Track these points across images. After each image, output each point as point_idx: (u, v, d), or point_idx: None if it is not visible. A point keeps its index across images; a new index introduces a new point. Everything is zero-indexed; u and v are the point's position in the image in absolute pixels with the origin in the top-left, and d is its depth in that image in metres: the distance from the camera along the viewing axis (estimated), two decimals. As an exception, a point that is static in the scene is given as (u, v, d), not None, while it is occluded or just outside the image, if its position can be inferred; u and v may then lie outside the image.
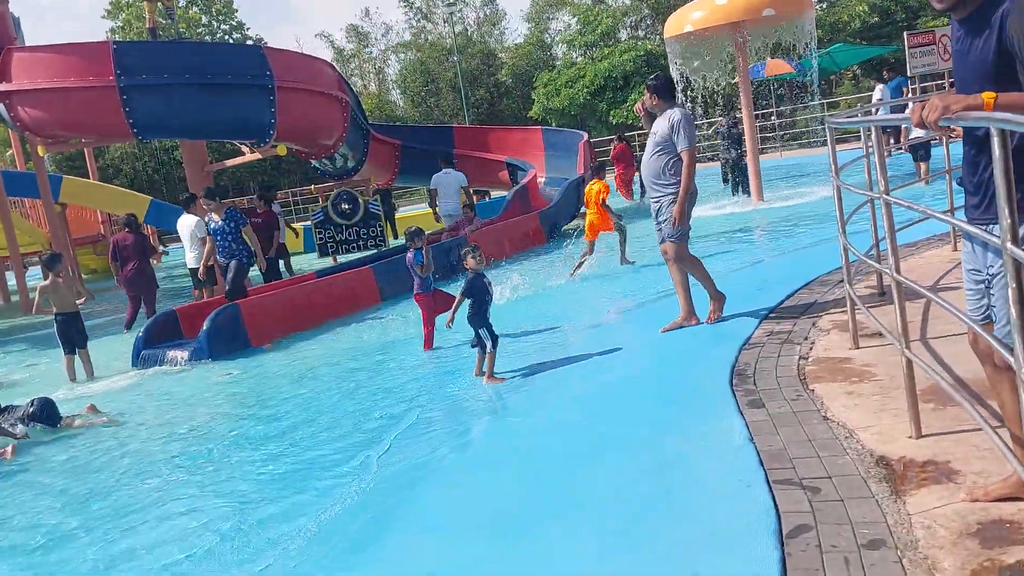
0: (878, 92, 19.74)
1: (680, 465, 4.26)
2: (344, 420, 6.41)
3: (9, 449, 6.89)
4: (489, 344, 6.76)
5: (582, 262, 11.23)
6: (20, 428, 7.32)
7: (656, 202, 6.91)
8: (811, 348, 5.71)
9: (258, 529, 4.59)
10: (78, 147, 22.73)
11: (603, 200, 11.21)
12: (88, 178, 25.89)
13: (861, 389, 4.73)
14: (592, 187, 11.38)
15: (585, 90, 39.26)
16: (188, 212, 12.72)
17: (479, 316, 6.82)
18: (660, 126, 6.78)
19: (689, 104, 16.97)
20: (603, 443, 4.82)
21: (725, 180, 17.25)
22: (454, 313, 7.08)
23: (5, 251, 19.33)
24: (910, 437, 3.93)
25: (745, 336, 6.24)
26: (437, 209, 15.02)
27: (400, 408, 6.48)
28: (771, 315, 6.79)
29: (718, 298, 6.95)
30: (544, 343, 7.69)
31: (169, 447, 6.51)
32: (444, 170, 15.19)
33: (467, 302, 6.94)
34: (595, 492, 4.16)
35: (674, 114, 6.72)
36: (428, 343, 8.34)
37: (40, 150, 16.44)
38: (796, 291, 7.47)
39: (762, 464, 3.97)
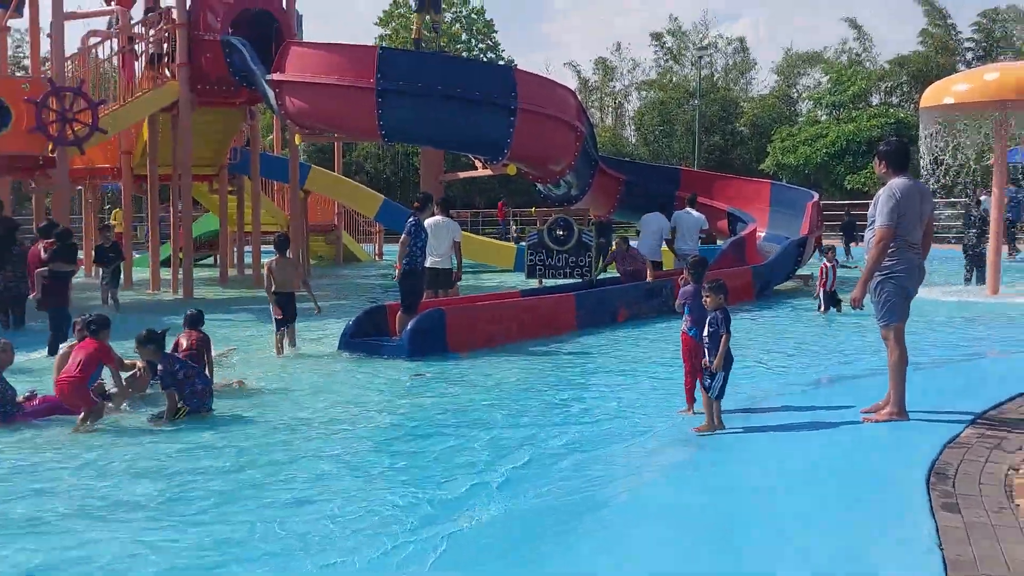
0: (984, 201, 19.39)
1: (862, 560, 4.01)
2: (519, 441, 6.48)
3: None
4: (716, 390, 6.36)
5: None
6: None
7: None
8: (1024, 460, 5.24)
9: (366, 544, 4.60)
10: (329, 140, 24.51)
11: None
12: (333, 171, 27.78)
13: (1074, 515, 4.29)
14: None
15: (824, 150, 37.92)
16: (445, 215, 12.16)
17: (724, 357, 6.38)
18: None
19: (933, 180, 16.00)
20: (783, 519, 4.62)
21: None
22: (722, 355, 6.34)
23: (249, 227, 21.11)
24: (1123, 580, 3.53)
25: (952, 433, 5.79)
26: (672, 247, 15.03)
27: (574, 440, 6.48)
28: (985, 416, 6.27)
29: (899, 405, 6.28)
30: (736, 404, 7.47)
31: (329, 434, 6.87)
32: (686, 209, 15.39)
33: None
34: (770, 570, 3.98)
35: (885, 188, 6.26)
36: (690, 399, 7.10)
37: (297, 139, 17.89)
38: (1018, 396, 6.86)
39: (947, 574, 3.68)
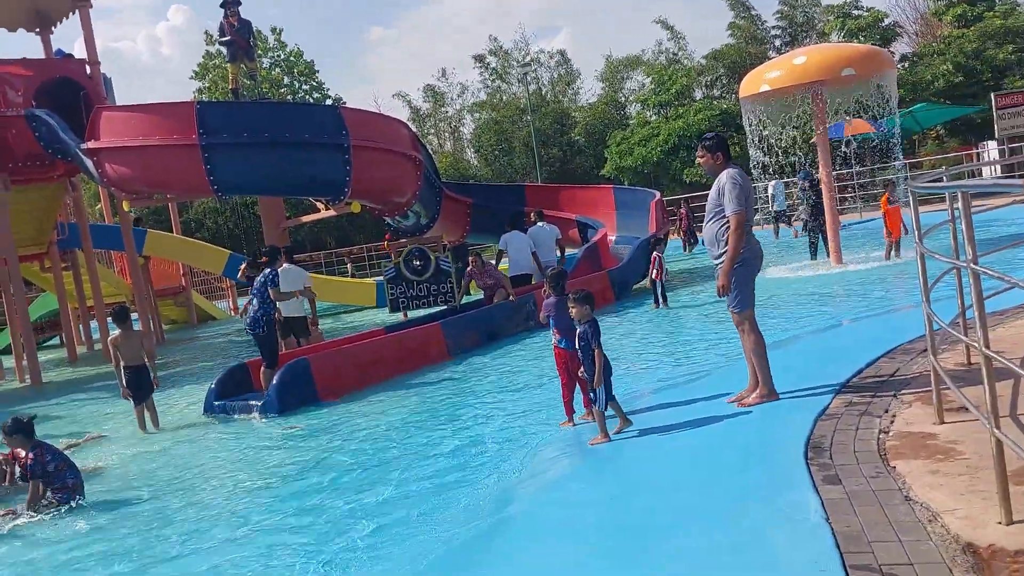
0: (771, 188, 22.88)
1: (752, 544, 4.05)
2: (406, 481, 6.31)
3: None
4: (602, 401, 6.36)
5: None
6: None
7: (715, 267, 6.62)
8: (892, 421, 5.42)
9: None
10: (162, 202, 23.56)
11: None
12: (172, 232, 26.70)
13: (946, 468, 4.45)
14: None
15: (659, 149, 39.20)
16: (290, 262, 12.22)
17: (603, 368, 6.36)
18: (713, 190, 6.52)
19: (760, 164, 16.77)
20: (676, 515, 4.64)
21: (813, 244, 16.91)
22: (600, 370, 6.31)
23: (91, 300, 20.04)
24: (1000, 523, 3.66)
25: (822, 406, 5.97)
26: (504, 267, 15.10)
27: (462, 469, 6.36)
28: (849, 384, 6.50)
29: (768, 386, 6.47)
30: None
31: (205, 501, 6.58)
32: (538, 224, 15.49)
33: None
34: (671, 570, 3.97)
35: (722, 177, 6.43)
36: (569, 411, 7.11)
37: (125, 205, 17.02)
38: (876, 359, 7.15)
39: (838, 546, 3.74)
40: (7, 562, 5.83)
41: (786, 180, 22.46)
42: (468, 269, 14.68)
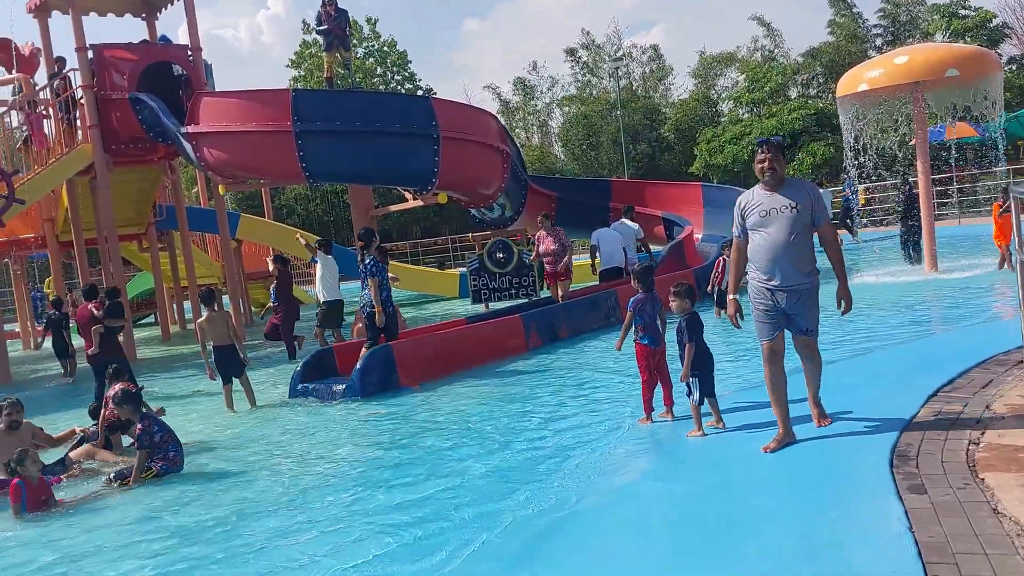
0: None
1: (832, 549, 3.98)
2: (481, 469, 6.36)
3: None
4: (695, 396, 6.34)
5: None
6: None
7: (793, 290, 5.73)
8: (983, 433, 5.24)
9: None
10: (256, 188, 24.19)
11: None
12: (264, 217, 27.39)
13: (1039, 483, 4.29)
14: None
15: (750, 147, 38.55)
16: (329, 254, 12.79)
17: (694, 360, 6.36)
18: (800, 197, 5.68)
19: (854, 167, 16.35)
20: (752, 516, 4.59)
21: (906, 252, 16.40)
22: (688, 365, 6.36)
23: (185, 282, 20.74)
24: (1096, 543, 3.51)
25: (909, 415, 5.81)
26: (597, 261, 15.06)
27: (537, 461, 6.38)
28: (939, 393, 6.31)
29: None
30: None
31: (293, 480, 6.70)
32: (622, 220, 15.45)
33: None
34: (742, 573, 3.92)
35: (809, 186, 5.91)
36: (648, 408, 7.03)
37: (221, 189, 17.57)
38: (969, 369, 6.92)
39: (921, 557, 3.65)
40: (85, 531, 6.08)
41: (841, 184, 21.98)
42: (538, 234, 14.57)
